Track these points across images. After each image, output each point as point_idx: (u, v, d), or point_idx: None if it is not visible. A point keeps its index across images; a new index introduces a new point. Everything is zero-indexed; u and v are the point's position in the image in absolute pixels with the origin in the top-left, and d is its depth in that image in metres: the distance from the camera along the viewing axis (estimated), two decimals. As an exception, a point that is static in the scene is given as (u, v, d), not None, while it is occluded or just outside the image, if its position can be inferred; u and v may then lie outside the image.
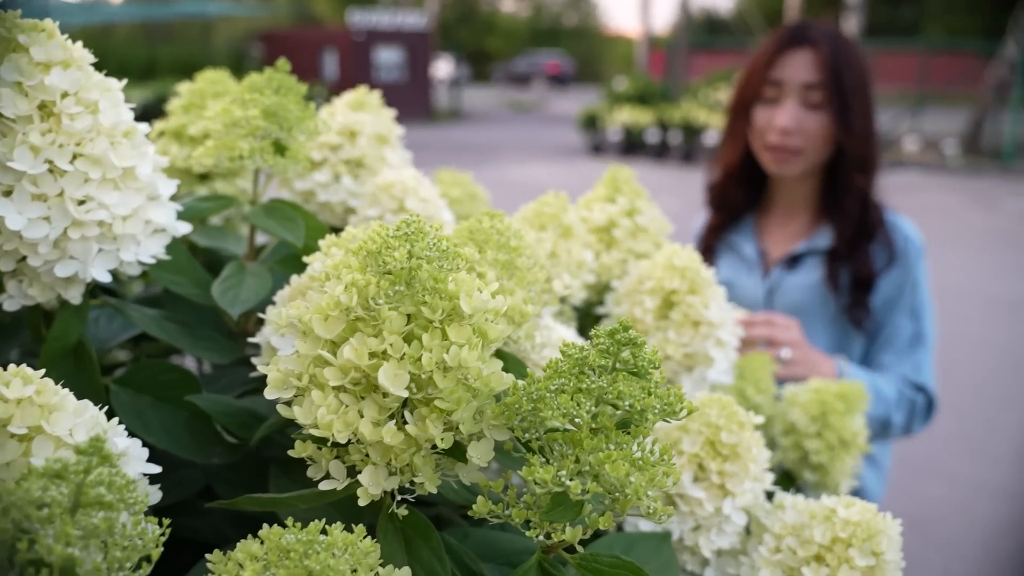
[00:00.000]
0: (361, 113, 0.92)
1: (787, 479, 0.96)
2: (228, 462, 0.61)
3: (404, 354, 0.42)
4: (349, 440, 0.43)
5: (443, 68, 37.99)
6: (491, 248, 0.59)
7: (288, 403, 0.46)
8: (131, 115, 0.61)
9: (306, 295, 0.57)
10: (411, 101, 22.31)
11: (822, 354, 1.36)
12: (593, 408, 0.42)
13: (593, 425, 0.42)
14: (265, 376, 0.65)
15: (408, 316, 0.43)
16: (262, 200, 0.75)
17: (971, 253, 8.14)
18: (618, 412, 0.42)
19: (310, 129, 0.73)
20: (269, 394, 0.45)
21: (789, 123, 1.47)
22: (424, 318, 0.43)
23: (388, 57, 22.19)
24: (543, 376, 0.45)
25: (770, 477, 0.71)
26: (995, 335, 5.87)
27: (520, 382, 0.45)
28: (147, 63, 21.22)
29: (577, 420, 0.41)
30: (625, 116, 15.24)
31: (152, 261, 0.59)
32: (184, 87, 0.91)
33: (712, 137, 14.04)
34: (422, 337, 0.43)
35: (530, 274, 0.60)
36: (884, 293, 1.51)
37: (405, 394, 0.42)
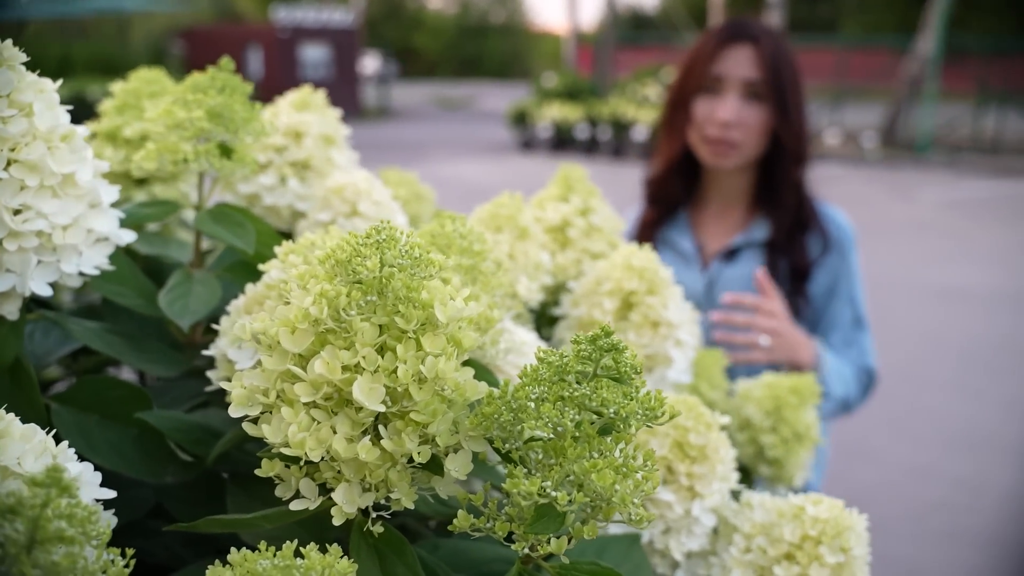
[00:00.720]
0: (306, 113, 0.89)
1: (743, 474, 0.97)
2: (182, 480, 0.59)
3: (378, 367, 0.40)
4: (321, 457, 0.41)
5: (370, 65, 37.62)
6: (454, 253, 0.57)
7: (254, 420, 0.43)
8: (67, 117, 0.57)
9: (265, 305, 0.55)
10: (339, 99, 21.63)
11: (804, 337, 1.38)
12: (576, 416, 0.41)
13: (576, 433, 0.41)
14: (217, 389, 0.63)
15: (380, 327, 0.41)
16: (207, 205, 0.71)
17: (892, 242, 8.43)
18: (599, 419, 0.41)
19: (256, 130, 0.70)
20: (234, 412, 0.43)
21: (730, 116, 1.49)
22: (397, 328, 0.41)
23: (314, 55, 21.84)
24: (519, 383, 0.44)
25: (735, 476, 0.71)
26: (917, 321, 6.08)
27: (495, 391, 0.44)
28: (61, 61, 20.43)
29: (560, 428, 0.40)
30: (554, 112, 15.32)
31: (95, 272, 0.56)
32: (117, 87, 0.86)
33: (641, 133, 14.22)
34: (396, 348, 0.41)
35: (494, 279, 0.59)
36: (822, 281, 1.56)
37: (381, 408, 0.40)
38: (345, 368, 0.40)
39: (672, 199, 1.66)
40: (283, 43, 20.79)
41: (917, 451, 4.05)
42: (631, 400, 0.41)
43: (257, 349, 0.43)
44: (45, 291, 0.54)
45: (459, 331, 0.43)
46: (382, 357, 0.41)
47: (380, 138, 17.90)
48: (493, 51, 48.03)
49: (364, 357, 0.40)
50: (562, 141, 15.56)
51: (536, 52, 50.66)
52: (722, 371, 1.02)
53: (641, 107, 14.68)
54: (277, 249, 0.58)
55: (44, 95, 0.56)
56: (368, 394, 0.40)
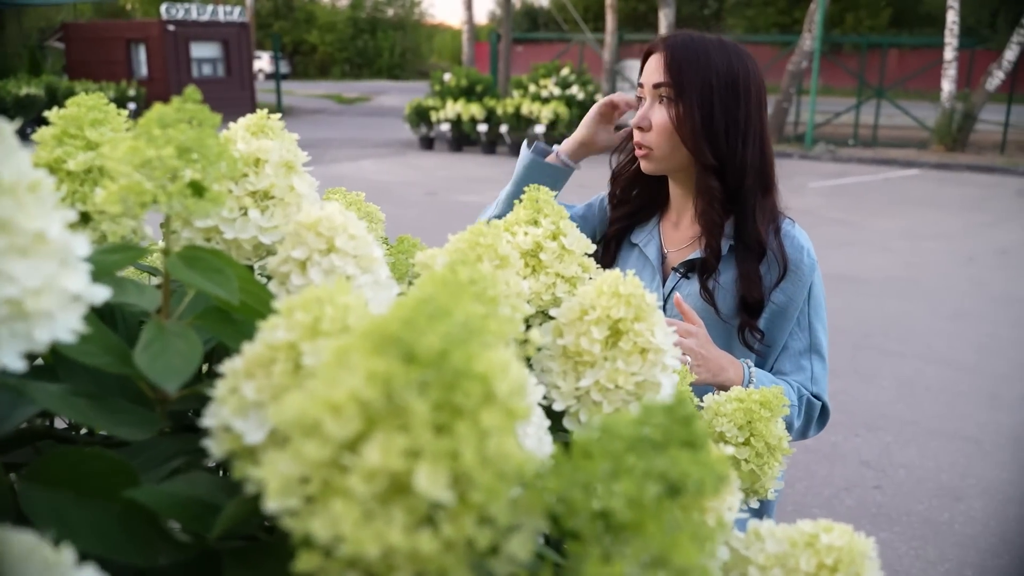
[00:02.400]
0: (264, 139, 0.84)
1: (720, 493, 0.97)
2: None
3: (440, 451, 0.37)
4: (372, 549, 0.38)
5: (260, 63, 36.62)
6: (467, 300, 0.54)
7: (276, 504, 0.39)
8: (29, 162, 0.51)
9: (274, 372, 0.50)
10: (232, 98, 21.27)
11: (729, 357, 1.38)
12: (658, 490, 0.38)
13: (655, 507, 0.38)
14: (198, 449, 0.57)
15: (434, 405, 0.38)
16: (175, 246, 0.65)
17: (787, 233, 8.74)
18: (674, 489, 0.39)
19: (229, 167, 0.65)
20: (271, 505, 0.39)
21: (640, 120, 1.52)
22: (454, 406, 0.38)
23: (204, 52, 21.06)
24: (580, 453, 0.41)
25: (738, 503, 0.70)
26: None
27: (555, 463, 0.41)
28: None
29: (637, 503, 0.38)
30: (455, 109, 15.26)
31: (70, 338, 0.50)
32: (53, 114, 0.79)
33: (542, 129, 14.32)
34: (455, 428, 0.38)
35: (509, 326, 0.56)
36: (777, 307, 1.49)
37: (447, 496, 0.37)
38: (405, 454, 0.37)
39: (631, 203, 1.65)
40: (171, 40, 19.96)
41: (825, 435, 4.21)
42: (707, 467, 0.39)
43: (291, 432, 0.39)
44: (17, 365, 0.48)
45: (513, 401, 0.40)
46: (439, 439, 0.37)
47: (275, 137, 17.43)
48: (389, 47, 47.48)
49: (426, 442, 0.37)
50: (463, 138, 15.53)
51: (433, 47, 50.40)
52: (688, 386, 1.02)
53: (543, 104, 14.79)
54: (277, 304, 0.53)
55: (3, 140, 0.50)
56: (433, 482, 0.37)
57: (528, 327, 0.89)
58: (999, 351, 5.40)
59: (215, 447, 0.50)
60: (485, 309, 0.55)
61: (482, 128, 15.05)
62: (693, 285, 1.54)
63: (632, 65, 17.65)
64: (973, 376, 4.97)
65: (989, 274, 7.29)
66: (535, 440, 0.70)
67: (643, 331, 0.76)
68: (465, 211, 9.84)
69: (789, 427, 1.47)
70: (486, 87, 16.23)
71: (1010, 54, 14.23)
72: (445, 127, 15.46)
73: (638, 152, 1.53)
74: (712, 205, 1.48)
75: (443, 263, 0.78)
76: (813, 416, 1.50)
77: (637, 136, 1.52)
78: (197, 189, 0.63)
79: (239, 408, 0.50)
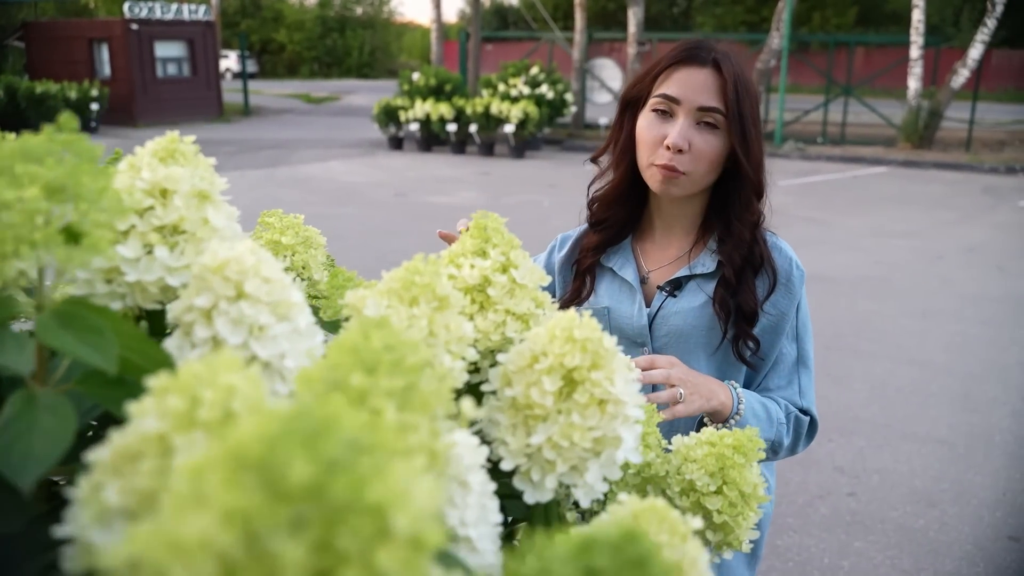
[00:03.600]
0: (173, 165, 0.74)
1: (689, 545, 0.89)
2: None
3: (317, 609, 0.28)
4: None
5: (227, 62, 36.19)
6: (384, 372, 0.45)
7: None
8: None
9: (140, 468, 0.41)
10: (198, 98, 20.99)
11: (716, 380, 1.33)
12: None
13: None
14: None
15: (312, 545, 0.29)
16: (49, 301, 0.56)
17: (757, 232, 8.73)
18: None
19: (111, 205, 0.56)
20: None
21: (680, 142, 1.39)
22: (337, 550, 0.29)
23: (169, 51, 20.70)
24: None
25: (706, 563, 0.62)
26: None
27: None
28: None
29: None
30: (423, 109, 15.13)
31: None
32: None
33: (511, 129, 14.23)
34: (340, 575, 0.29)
35: (437, 395, 0.48)
36: (770, 320, 1.46)
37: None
38: (268, 617, 0.28)
39: (617, 224, 1.56)
40: (134, 39, 19.59)
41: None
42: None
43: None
44: None
45: (421, 530, 0.32)
46: (319, 589, 0.29)
47: (244, 139, 17.23)
48: (358, 46, 47.14)
49: (295, 601, 0.28)
50: (432, 138, 15.41)
51: (403, 46, 50.14)
52: (655, 428, 0.94)
53: (512, 103, 14.70)
54: (152, 381, 0.44)
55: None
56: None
57: (476, 369, 0.80)
58: (969, 350, 5.40)
59: (70, 562, 0.41)
60: (405, 381, 0.47)
61: (451, 128, 14.94)
62: (681, 303, 1.48)
63: (601, 64, 17.62)
64: (943, 376, 4.96)
65: (957, 272, 7.32)
66: (477, 509, 0.62)
67: (601, 380, 0.68)
68: (434, 212, 9.73)
69: (778, 446, 1.43)
70: (455, 86, 16.11)
71: (974, 52, 14.38)
72: (414, 127, 15.32)
73: (667, 175, 1.42)
74: (748, 227, 1.44)
75: (373, 306, 0.69)
76: (802, 432, 1.48)
77: (670, 159, 1.40)
78: (72, 235, 0.54)
79: (99, 515, 0.41)
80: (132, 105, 19.47)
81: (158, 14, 20.12)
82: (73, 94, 17.67)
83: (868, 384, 4.88)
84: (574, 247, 1.63)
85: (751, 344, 1.44)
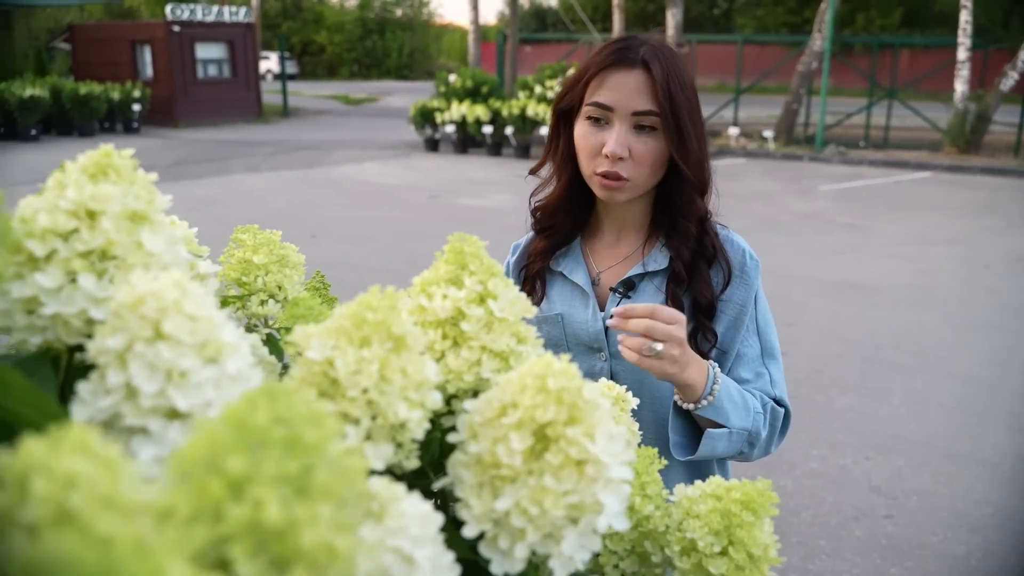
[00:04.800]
0: (105, 182, 0.66)
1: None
2: None
3: None
4: None
5: (268, 63, 36.56)
6: (274, 453, 0.37)
7: None
8: None
9: None
10: (237, 99, 21.22)
11: (697, 357, 1.26)
12: None
13: None
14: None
15: None
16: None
17: (792, 236, 8.56)
18: None
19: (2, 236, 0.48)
20: None
21: (619, 150, 1.35)
22: None
23: (209, 52, 20.94)
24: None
25: None
26: (819, 317, 6.13)
27: None
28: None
29: None
30: (460, 111, 15.10)
31: None
32: None
33: (546, 131, 14.13)
34: None
35: (340, 482, 0.39)
36: (728, 314, 1.42)
37: None
38: None
39: (564, 228, 1.52)
40: (176, 41, 19.85)
41: (833, 457, 4.02)
42: None
43: None
44: None
45: None
46: None
47: (281, 140, 17.37)
48: (397, 47, 47.37)
49: None
50: (468, 140, 15.37)
51: (442, 47, 50.31)
52: (656, 475, 0.84)
53: (547, 105, 14.60)
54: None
55: None
56: None
57: (451, 411, 0.71)
58: (1016, 365, 5.18)
59: None
60: (300, 463, 0.38)
61: (487, 130, 14.88)
62: (635, 303, 1.40)
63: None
64: (989, 393, 4.76)
65: (1004, 283, 7.06)
66: (430, 567, 0.53)
67: (578, 438, 0.58)
68: (467, 215, 9.66)
69: (755, 438, 1.35)
70: (492, 88, 16.05)
71: (1024, 54, 13.97)
72: (450, 129, 15.30)
73: (609, 183, 1.38)
74: (692, 222, 1.42)
75: (318, 347, 0.60)
76: (777, 425, 1.40)
77: (611, 167, 1.36)
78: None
79: None
80: (173, 106, 19.73)
81: (199, 16, 20.37)
82: (116, 95, 17.94)
83: (908, 399, 4.70)
84: (523, 254, 1.59)
85: (710, 337, 1.41)
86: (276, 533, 0.35)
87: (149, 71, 20.33)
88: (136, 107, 18.30)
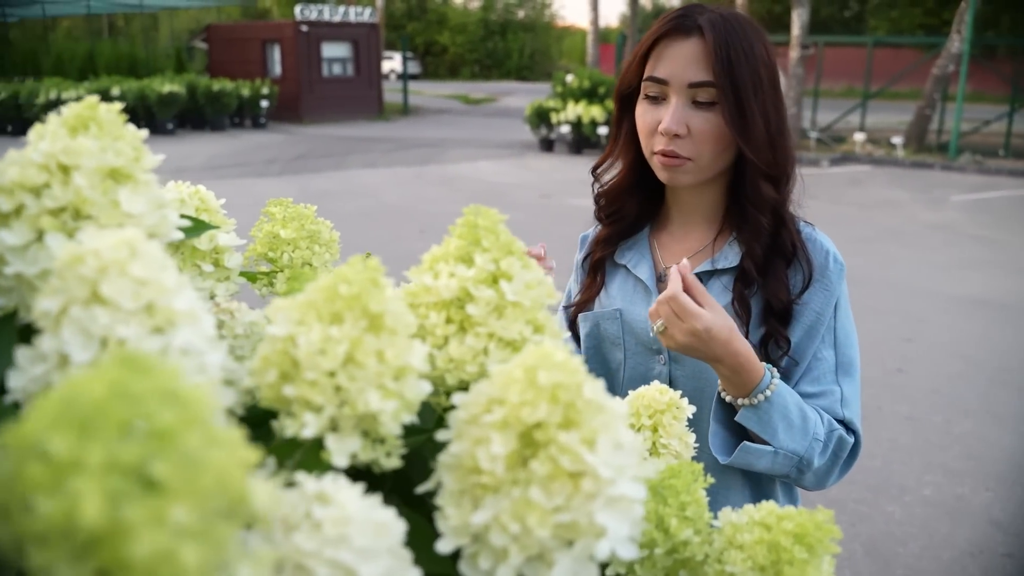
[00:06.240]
0: (84, 136, 0.61)
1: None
2: None
3: None
4: None
5: (391, 63, 37.43)
6: (105, 436, 0.29)
7: None
8: None
9: None
10: (359, 97, 21.81)
11: (748, 354, 1.14)
12: None
13: None
14: None
15: None
16: None
17: (918, 247, 8.05)
18: None
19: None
20: None
21: (674, 127, 1.24)
22: None
23: (334, 51, 21.59)
24: None
25: None
26: (944, 335, 5.73)
27: None
28: (85, 60, 20.38)
29: None
30: (575, 111, 15.02)
31: None
32: None
33: (662, 133, 13.86)
34: None
35: (200, 481, 0.30)
36: (804, 320, 1.28)
37: None
38: None
39: (628, 217, 1.41)
40: (303, 40, 20.56)
41: (949, 486, 3.72)
42: None
43: None
44: None
45: None
46: None
47: (400, 137, 17.72)
48: (518, 48, 47.68)
49: None
50: (583, 140, 15.27)
51: (561, 49, 50.35)
52: (699, 495, 0.73)
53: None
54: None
55: None
56: None
57: (449, 407, 0.62)
58: None
59: None
60: (140, 450, 0.30)
61: (602, 131, 14.73)
62: None
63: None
64: None
65: None
66: None
67: (572, 445, 0.49)
68: (576, 215, 9.53)
69: (805, 465, 1.20)
70: (608, 89, 15.86)
71: None
72: (565, 129, 15.22)
73: (668, 162, 1.27)
74: (765, 213, 1.27)
75: (283, 322, 0.53)
76: (842, 455, 1.24)
77: (668, 145, 1.25)
78: None
79: None
80: (298, 103, 20.44)
81: (327, 16, 21.03)
82: (246, 92, 18.73)
83: (1039, 428, 4.31)
84: (589, 244, 1.48)
85: (783, 344, 1.26)
86: (95, 537, 0.28)
87: (278, 69, 21.12)
88: (264, 103, 19.05)
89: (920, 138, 15.11)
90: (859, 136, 15.05)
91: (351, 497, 0.46)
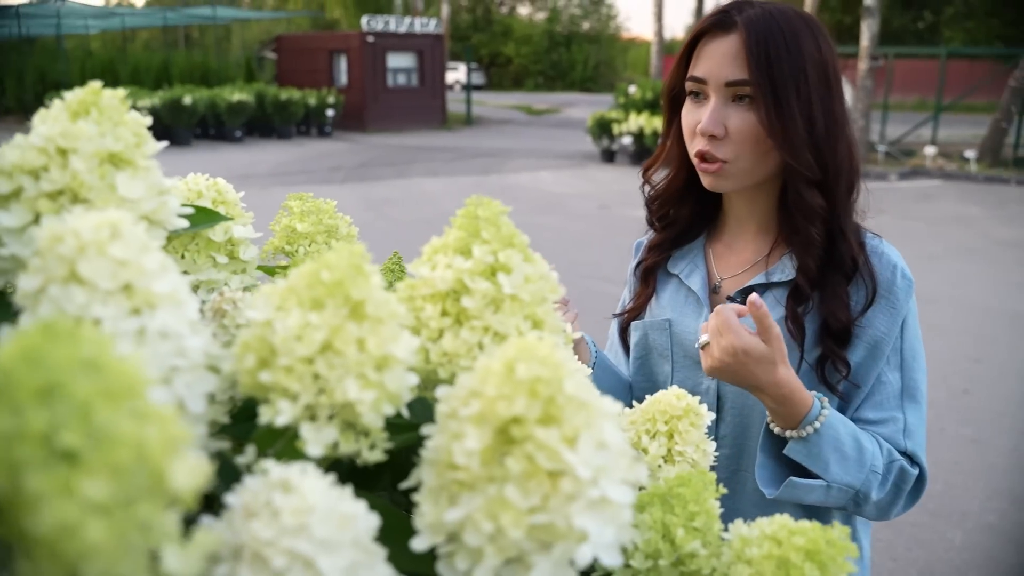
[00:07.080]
0: (84, 121, 0.61)
1: None
2: None
3: None
4: None
5: (456, 74, 37.77)
6: (10, 404, 0.28)
7: None
8: None
9: None
10: (423, 107, 22.05)
11: (796, 383, 1.08)
12: None
13: None
14: None
15: None
16: None
17: (990, 266, 7.76)
18: None
19: None
20: None
21: (711, 127, 1.18)
22: None
23: (399, 62, 21.89)
24: None
25: None
26: (1018, 356, 5.50)
27: None
28: (160, 70, 21.04)
29: None
30: (637, 122, 14.93)
31: None
32: None
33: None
34: None
35: (116, 455, 0.29)
36: (866, 341, 1.20)
37: None
38: None
39: (680, 222, 1.36)
40: (369, 51, 20.90)
41: (1014, 513, 3.55)
42: None
43: None
44: None
45: None
46: None
47: (462, 147, 17.84)
48: (583, 60, 47.68)
49: None
50: (644, 151, 15.15)
51: (626, 61, 50.19)
52: (710, 505, 0.70)
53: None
54: None
55: None
56: None
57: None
58: None
59: None
60: (49, 419, 0.29)
61: (663, 142, 14.60)
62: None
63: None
64: None
65: None
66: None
67: (550, 442, 0.46)
68: (635, 226, 9.40)
69: (863, 499, 1.13)
70: (671, 100, 15.74)
71: None
72: (627, 140, 15.14)
73: (707, 167, 1.21)
74: (814, 223, 1.19)
75: (263, 306, 0.52)
76: (904, 488, 1.17)
77: (706, 146, 1.19)
78: None
79: None
80: (363, 112, 20.76)
81: (392, 27, 21.34)
82: (312, 101, 19.11)
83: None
84: (643, 250, 1.43)
85: (841, 368, 1.18)
86: (-7, 508, 0.27)
87: (344, 79, 21.48)
88: (330, 112, 19.41)
89: (995, 152, 14.60)
90: (930, 150, 14.61)
91: (316, 487, 0.45)
